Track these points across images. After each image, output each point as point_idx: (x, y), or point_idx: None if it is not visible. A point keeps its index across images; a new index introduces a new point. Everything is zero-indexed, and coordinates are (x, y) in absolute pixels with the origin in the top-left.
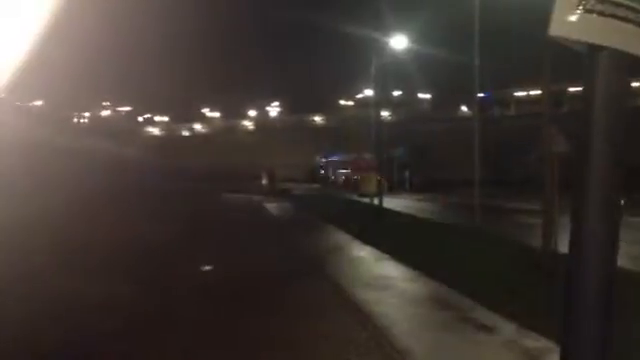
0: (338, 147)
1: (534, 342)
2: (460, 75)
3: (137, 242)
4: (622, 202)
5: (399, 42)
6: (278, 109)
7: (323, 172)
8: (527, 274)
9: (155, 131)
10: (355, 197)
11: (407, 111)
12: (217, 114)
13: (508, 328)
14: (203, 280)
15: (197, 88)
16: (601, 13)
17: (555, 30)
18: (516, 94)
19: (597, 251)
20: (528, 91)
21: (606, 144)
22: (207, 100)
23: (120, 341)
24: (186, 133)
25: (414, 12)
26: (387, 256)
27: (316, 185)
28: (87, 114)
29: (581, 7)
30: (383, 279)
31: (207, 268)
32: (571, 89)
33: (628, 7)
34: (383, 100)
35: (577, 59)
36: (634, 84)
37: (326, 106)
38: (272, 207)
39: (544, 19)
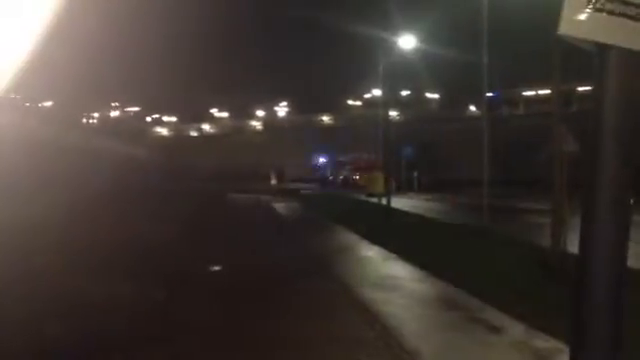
0: (346, 147)
1: (544, 343)
2: (468, 74)
3: (140, 242)
4: (632, 201)
5: (407, 42)
6: (286, 109)
7: (321, 172)
8: (536, 274)
9: (163, 131)
10: (363, 197)
11: (415, 111)
12: (225, 114)
13: (517, 329)
14: (211, 280)
15: (205, 88)
16: (611, 12)
17: (565, 29)
18: (525, 93)
19: (607, 251)
20: (537, 90)
21: (616, 143)
22: (215, 100)
23: (128, 342)
24: (194, 133)
25: (422, 12)
26: (395, 256)
27: (313, 185)
28: (96, 115)
29: (591, 6)
30: (391, 279)
31: (215, 268)
32: (580, 88)
33: (638, 6)
34: (391, 100)
35: (587, 58)
36: None
37: (334, 106)
38: (280, 207)
39: (553, 18)
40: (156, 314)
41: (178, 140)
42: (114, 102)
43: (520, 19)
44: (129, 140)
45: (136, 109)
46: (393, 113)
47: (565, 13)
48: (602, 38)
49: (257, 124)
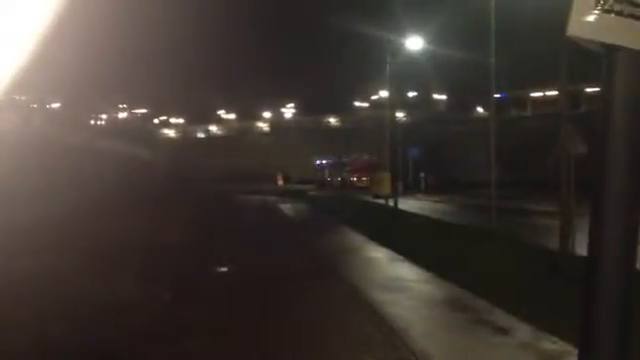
0: (352, 148)
1: (551, 345)
2: (476, 76)
3: (146, 242)
4: None
5: (414, 43)
6: (293, 110)
7: (320, 174)
8: (544, 276)
9: (171, 133)
10: (370, 198)
11: (422, 112)
12: (232, 116)
13: (525, 330)
14: (218, 281)
15: (212, 90)
16: (619, 13)
17: (573, 30)
18: (532, 95)
19: (616, 253)
20: (545, 92)
21: (624, 144)
22: (222, 102)
23: (137, 343)
24: (201, 135)
25: (430, 13)
26: (402, 257)
27: (311, 186)
28: (104, 116)
29: (599, 7)
30: (398, 281)
31: (222, 269)
32: (588, 90)
33: None
34: (398, 101)
35: (595, 59)
36: None
37: (341, 107)
38: (287, 208)
39: (561, 19)
40: (163, 315)
41: (185, 142)
42: (122, 104)
43: (528, 20)
44: (136, 142)
45: (144, 111)
46: (400, 114)
47: (573, 14)
48: (610, 39)
49: (264, 125)
